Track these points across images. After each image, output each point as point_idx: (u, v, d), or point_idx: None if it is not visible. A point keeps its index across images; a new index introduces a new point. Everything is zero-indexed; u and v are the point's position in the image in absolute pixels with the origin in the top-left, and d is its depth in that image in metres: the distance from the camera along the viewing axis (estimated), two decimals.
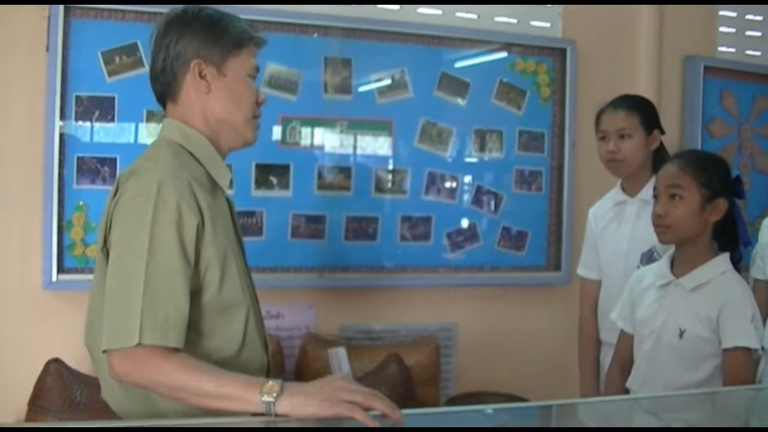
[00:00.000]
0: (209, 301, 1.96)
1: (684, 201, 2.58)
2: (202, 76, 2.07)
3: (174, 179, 1.91)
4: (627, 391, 2.72)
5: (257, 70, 2.18)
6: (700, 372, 2.54)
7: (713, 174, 2.61)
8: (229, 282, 1.99)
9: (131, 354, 1.80)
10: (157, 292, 1.82)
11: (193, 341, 1.92)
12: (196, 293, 1.93)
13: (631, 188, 3.25)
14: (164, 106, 2.16)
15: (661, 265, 2.72)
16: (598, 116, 3.27)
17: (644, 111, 3.23)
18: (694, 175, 2.59)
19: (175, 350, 1.82)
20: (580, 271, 3.49)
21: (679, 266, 2.66)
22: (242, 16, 2.19)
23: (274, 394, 1.70)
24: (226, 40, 2.09)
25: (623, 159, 3.18)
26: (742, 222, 2.70)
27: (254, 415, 1.73)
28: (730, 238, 2.67)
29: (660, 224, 2.63)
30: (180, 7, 2.12)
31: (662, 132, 3.26)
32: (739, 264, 2.68)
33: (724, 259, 2.63)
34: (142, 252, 1.84)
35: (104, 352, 1.84)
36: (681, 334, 2.55)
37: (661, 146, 3.24)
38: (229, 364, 1.96)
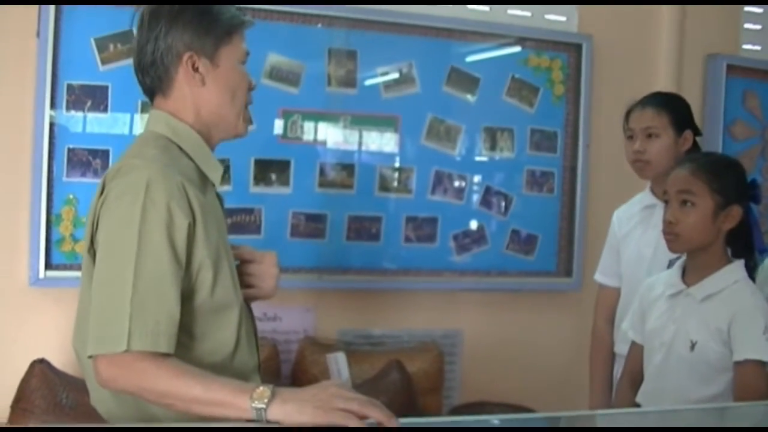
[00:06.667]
0: (202, 302, 1.97)
1: (696, 208, 2.56)
2: (195, 68, 2.07)
3: (163, 177, 1.91)
4: (637, 406, 2.71)
5: (248, 54, 2.18)
6: (713, 386, 2.52)
7: (727, 179, 2.59)
8: (221, 282, 1.99)
9: (118, 359, 1.80)
10: (147, 295, 1.83)
11: (185, 345, 1.93)
12: (188, 295, 1.94)
13: (661, 191, 3.15)
14: (152, 98, 2.15)
15: (672, 274, 2.70)
16: (627, 114, 3.24)
17: (675, 110, 3.19)
18: (707, 181, 2.56)
19: (165, 355, 1.83)
20: (598, 277, 3.45)
21: (690, 275, 2.64)
22: (243, 5, 2.19)
23: (265, 400, 1.70)
24: (218, 28, 2.09)
25: (649, 160, 3.14)
26: (758, 228, 2.68)
27: (248, 421, 1.73)
28: (745, 245, 2.65)
29: (670, 232, 2.61)
30: None
31: (697, 133, 3.22)
32: (754, 272, 2.66)
33: (737, 267, 2.61)
34: (130, 253, 1.84)
35: (90, 357, 1.84)
36: (692, 346, 2.54)
37: (695, 147, 3.20)
38: (223, 367, 1.98)
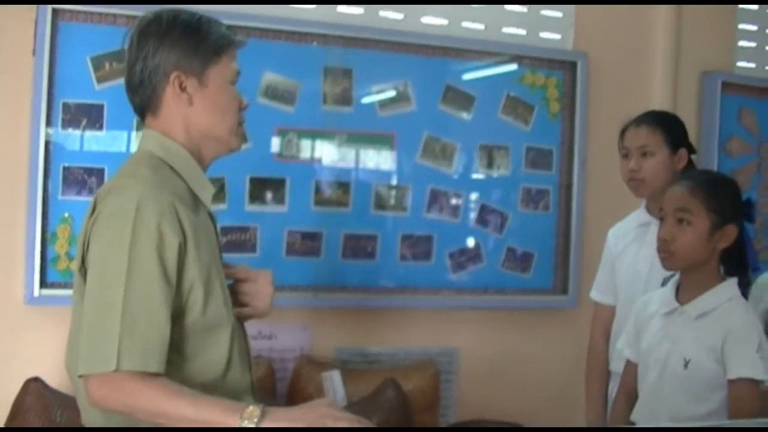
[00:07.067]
0: (193, 322, 1.97)
1: (692, 227, 2.57)
2: (182, 88, 2.07)
3: (154, 198, 1.92)
4: (632, 424, 2.70)
5: (238, 74, 2.18)
6: (707, 404, 2.52)
7: (724, 198, 2.59)
8: (213, 301, 2.00)
9: (109, 379, 1.81)
10: (137, 315, 1.83)
11: (176, 364, 1.93)
12: (179, 315, 1.94)
13: (656, 209, 3.08)
14: (143, 117, 2.16)
15: (666, 292, 2.70)
16: (622, 132, 3.25)
17: (669, 128, 3.21)
18: (704, 200, 2.57)
19: (155, 375, 1.83)
20: (594, 294, 3.46)
21: (684, 293, 2.64)
22: (238, 23, 2.19)
23: (255, 419, 1.71)
24: (206, 48, 2.09)
25: (644, 179, 3.16)
26: (752, 246, 2.69)
27: None
28: (739, 263, 2.65)
29: (665, 250, 2.61)
30: (153, 12, 2.12)
31: (691, 151, 3.24)
32: (747, 290, 2.66)
33: (731, 285, 2.62)
34: (120, 274, 1.85)
35: (80, 377, 1.85)
36: (686, 364, 2.54)
37: (690, 165, 3.21)
38: (215, 386, 1.98)
